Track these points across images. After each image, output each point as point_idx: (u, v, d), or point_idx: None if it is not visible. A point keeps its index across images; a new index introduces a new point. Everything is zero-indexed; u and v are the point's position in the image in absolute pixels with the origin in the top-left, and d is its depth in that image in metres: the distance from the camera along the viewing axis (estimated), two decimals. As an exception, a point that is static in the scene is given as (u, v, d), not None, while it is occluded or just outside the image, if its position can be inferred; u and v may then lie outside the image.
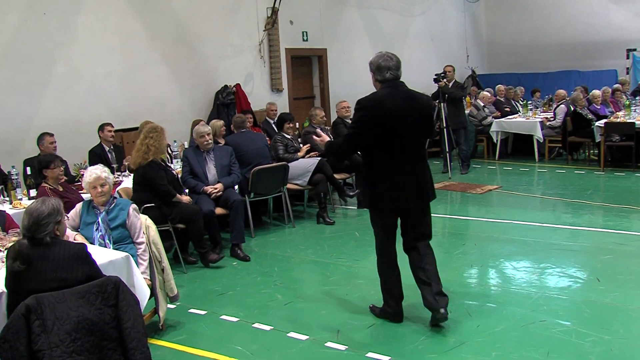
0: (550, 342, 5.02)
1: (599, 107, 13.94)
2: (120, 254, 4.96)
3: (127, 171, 8.70)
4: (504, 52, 22.42)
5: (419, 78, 16.32)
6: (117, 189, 7.50)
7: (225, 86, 12.33)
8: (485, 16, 23.17)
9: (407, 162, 5.25)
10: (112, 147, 9.39)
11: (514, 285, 6.40)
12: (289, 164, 9.07)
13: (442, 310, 5.25)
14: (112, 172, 7.44)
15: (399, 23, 18.12)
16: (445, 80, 12.23)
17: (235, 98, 12.35)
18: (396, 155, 5.20)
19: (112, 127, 9.40)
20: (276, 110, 12.03)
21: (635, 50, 20.01)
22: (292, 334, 5.41)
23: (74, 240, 5.30)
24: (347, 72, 15.80)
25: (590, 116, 13.28)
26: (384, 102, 5.17)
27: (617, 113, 13.38)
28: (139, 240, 5.55)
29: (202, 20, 12.17)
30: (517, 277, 6.59)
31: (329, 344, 5.18)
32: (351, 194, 9.77)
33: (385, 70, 5.24)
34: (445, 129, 12.21)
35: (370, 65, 5.34)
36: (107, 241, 5.50)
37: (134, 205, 5.72)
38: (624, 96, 15.05)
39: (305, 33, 14.67)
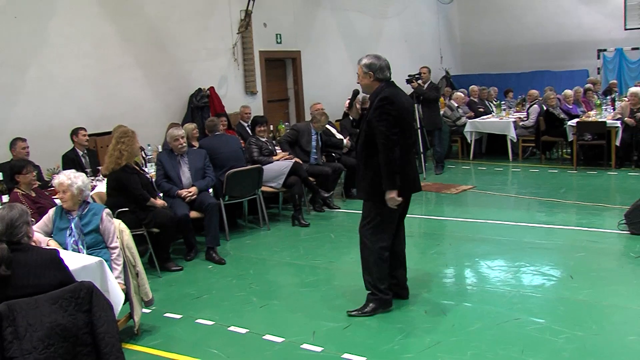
0: (524, 340, 5.06)
1: (571, 107, 14.07)
2: (93, 259, 4.94)
3: (102, 176, 8.63)
4: (477, 53, 22.57)
5: (393, 79, 16.40)
6: (90, 194, 7.43)
7: (199, 89, 12.29)
8: (458, 18, 23.30)
9: (409, 153, 5.65)
10: (85, 152, 9.32)
11: (488, 284, 6.45)
12: (264, 167, 9.06)
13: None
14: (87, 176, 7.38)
15: (372, 25, 18.16)
16: (419, 81, 12.28)
17: (209, 101, 12.31)
18: (403, 146, 5.49)
19: (86, 131, 9.34)
20: (250, 113, 12.01)
21: (605, 50, 20.25)
22: (268, 337, 5.40)
23: (47, 245, 5.27)
24: (321, 74, 15.80)
25: (562, 116, 13.40)
26: (399, 98, 5.58)
27: (589, 112, 13.52)
28: (113, 245, 5.51)
29: (175, 24, 12.12)
30: (492, 276, 6.64)
31: (304, 345, 5.18)
32: (326, 195, 9.78)
33: (386, 69, 5.65)
34: (419, 130, 12.25)
35: (371, 66, 5.59)
36: (81, 246, 5.46)
37: (107, 210, 5.68)
38: (595, 96, 15.19)
39: (279, 35, 14.66)
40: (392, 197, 5.40)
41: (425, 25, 21.07)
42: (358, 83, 5.81)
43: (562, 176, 12.07)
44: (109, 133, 9.88)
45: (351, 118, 6.30)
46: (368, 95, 5.73)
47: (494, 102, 15.53)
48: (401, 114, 5.49)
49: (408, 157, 5.60)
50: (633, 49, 19.93)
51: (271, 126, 11.89)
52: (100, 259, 4.98)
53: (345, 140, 10.77)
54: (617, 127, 12.05)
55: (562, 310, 5.68)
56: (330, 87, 15.79)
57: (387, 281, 5.72)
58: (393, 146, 5.38)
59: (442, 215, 9.57)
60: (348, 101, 6.13)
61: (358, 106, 6.10)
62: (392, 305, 5.75)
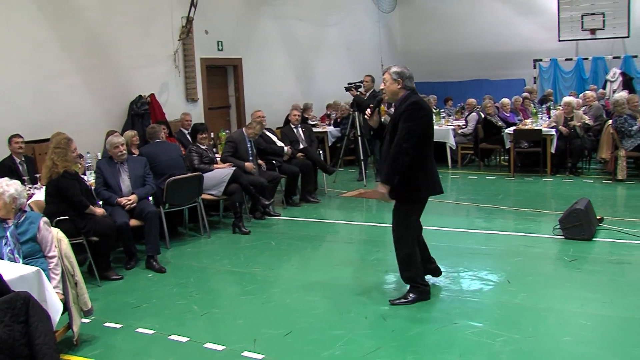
0: (463, 344, 5.16)
1: (508, 115, 14.36)
2: (30, 269, 4.85)
3: (39, 183, 8.47)
4: (418, 61, 22.79)
5: (334, 87, 16.55)
6: (28, 202, 7.30)
7: (140, 96, 12.18)
8: (399, 26, 23.60)
9: (432, 155, 6.14)
10: (23, 159, 9.15)
11: (428, 289, 6.55)
12: (204, 174, 9.02)
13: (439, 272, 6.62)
14: (23, 184, 7.24)
15: (314, 33, 18.26)
16: (361, 89, 12.37)
17: (150, 108, 12.20)
18: (431, 150, 6.09)
19: (21, 138, 9.16)
20: (191, 121, 11.95)
21: (541, 60, 20.80)
22: (209, 345, 5.38)
23: (-18, 255, 5.17)
24: (262, 81, 15.81)
25: (500, 123, 13.68)
26: (427, 104, 6.06)
27: (525, 120, 13.83)
28: (51, 254, 5.41)
29: (115, 30, 11.99)
30: (432, 282, 6.69)
31: (245, 353, 5.17)
32: (266, 202, 9.78)
33: (412, 79, 6.05)
34: (360, 138, 12.34)
35: (402, 74, 5.98)
36: (17, 256, 5.36)
37: (45, 219, 5.59)
38: (532, 104, 15.55)
39: (220, 43, 14.62)
40: (384, 192, 5.89)
41: (366, 33, 21.27)
42: (382, 90, 6.18)
43: (500, 183, 12.32)
44: (47, 140, 9.70)
45: (370, 125, 6.61)
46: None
47: (434, 110, 15.73)
48: (429, 120, 5.98)
49: (430, 159, 6.07)
50: (567, 59, 20.54)
51: (212, 133, 11.83)
52: (37, 268, 4.89)
53: (285, 148, 10.79)
54: (553, 135, 12.36)
55: (500, 313, 5.81)
56: (272, 95, 15.82)
57: (423, 273, 6.26)
58: (408, 149, 5.76)
59: (383, 222, 9.60)
60: (369, 110, 6.44)
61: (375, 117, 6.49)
62: (430, 296, 6.20)
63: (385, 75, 6.08)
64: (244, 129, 10.29)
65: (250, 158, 9.99)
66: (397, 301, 6.13)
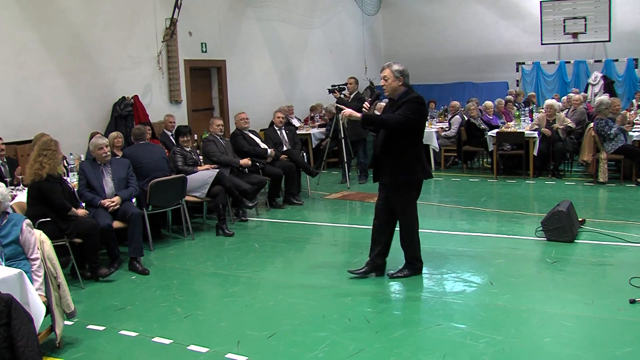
0: (446, 345, 5.18)
1: (491, 118, 14.44)
2: (13, 271, 4.82)
3: (21, 185, 8.42)
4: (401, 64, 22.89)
5: (317, 89, 16.57)
6: (10, 204, 7.25)
7: (123, 98, 12.13)
8: (383, 29, 23.65)
9: (422, 144, 6.80)
10: (5, 160, 9.08)
11: (412, 291, 6.57)
12: (188, 176, 9.01)
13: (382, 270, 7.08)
14: (6, 186, 7.19)
15: (298, 35, 18.26)
16: (345, 92, 12.39)
17: (133, 110, 12.15)
18: (422, 140, 6.77)
19: (0, 139, 9.09)
20: (174, 123, 11.92)
21: (523, 63, 20.93)
22: (192, 347, 5.38)
23: (-36, 257, 5.13)
24: (246, 83, 15.81)
25: (483, 126, 13.74)
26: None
27: (508, 123, 13.90)
28: (33, 256, 5.38)
29: (99, 31, 11.94)
30: (415, 284, 6.75)
31: (229, 355, 5.17)
32: (249, 205, 9.78)
33: (409, 76, 6.63)
34: (343, 140, 12.36)
35: (403, 72, 6.59)
36: (-1, 258, 5.33)
37: (28, 221, 5.56)
38: (515, 107, 15.64)
39: (204, 44, 14.60)
40: (349, 114, 6.60)
41: (350, 36, 21.30)
42: (383, 86, 6.68)
43: (483, 185, 12.37)
44: (29, 141, 9.66)
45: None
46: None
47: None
48: (426, 114, 6.74)
49: (420, 147, 6.70)
50: (549, 62, 20.69)
51: (195, 136, 11.81)
52: (20, 270, 4.86)
53: (269, 150, 10.79)
54: (535, 137, 12.43)
55: (483, 315, 5.84)
56: (255, 97, 15.82)
57: (419, 251, 6.98)
58: (400, 127, 6.37)
59: (367, 224, 9.53)
60: (368, 103, 6.90)
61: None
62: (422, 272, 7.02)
63: (386, 72, 6.61)
64: (209, 132, 10.40)
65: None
66: (396, 274, 6.91)
